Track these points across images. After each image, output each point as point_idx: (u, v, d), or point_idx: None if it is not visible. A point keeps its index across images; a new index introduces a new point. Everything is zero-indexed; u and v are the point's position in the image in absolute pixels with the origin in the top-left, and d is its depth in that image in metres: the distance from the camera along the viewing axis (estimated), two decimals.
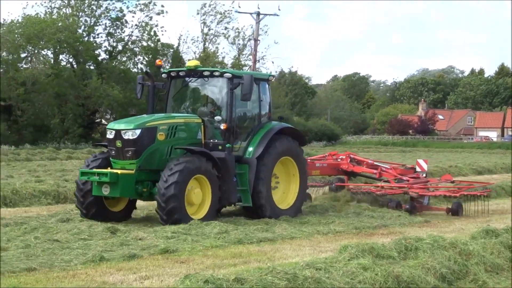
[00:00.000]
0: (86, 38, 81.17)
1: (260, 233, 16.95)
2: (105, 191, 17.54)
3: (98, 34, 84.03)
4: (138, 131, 17.77)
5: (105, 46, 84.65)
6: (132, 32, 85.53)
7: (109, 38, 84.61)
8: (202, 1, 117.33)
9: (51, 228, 16.68)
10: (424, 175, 25.12)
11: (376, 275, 10.73)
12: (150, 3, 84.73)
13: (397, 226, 19.39)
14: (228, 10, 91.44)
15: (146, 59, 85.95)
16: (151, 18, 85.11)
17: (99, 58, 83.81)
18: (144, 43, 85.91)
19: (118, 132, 17.95)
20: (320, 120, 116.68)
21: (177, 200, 17.12)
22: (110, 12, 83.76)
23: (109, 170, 17.69)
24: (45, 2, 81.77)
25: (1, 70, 69.44)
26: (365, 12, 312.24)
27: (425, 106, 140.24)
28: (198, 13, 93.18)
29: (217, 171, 18.18)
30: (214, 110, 19.72)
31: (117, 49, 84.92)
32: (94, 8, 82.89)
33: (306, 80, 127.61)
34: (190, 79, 20.22)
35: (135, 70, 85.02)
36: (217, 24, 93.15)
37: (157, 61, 22.29)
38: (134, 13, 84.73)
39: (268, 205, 19.23)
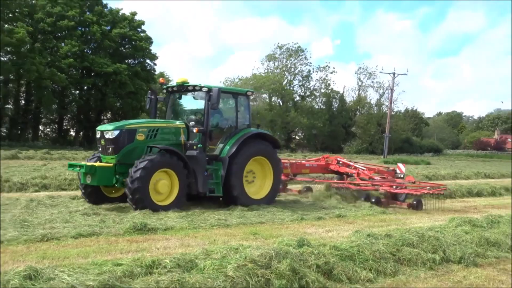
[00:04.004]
0: (287, 87, 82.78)
1: (396, 209, 16.56)
2: (88, 180, 13.87)
3: (294, 85, 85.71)
4: (116, 132, 13.90)
5: (298, 93, 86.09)
6: (315, 84, 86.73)
7: (301, 87, 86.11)
8: (360, 65, 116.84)
9: None
10: (402, 176, 19.98)
11: (473, 237, 10.38)
12: (326, 66, 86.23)
13: (482, 207, 18.06)
14: (374, 71, 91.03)
15: (323, 100, 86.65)
16: (327, 75, 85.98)
17: (295, 99, 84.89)
18: (322, 90, 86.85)
19: (102, 133, 14.12)
20: (430, 139, 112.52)
21: (141, 192, 13.17)
22: (302, 72, 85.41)
23: (87, 163, 14.10)
24: (263, 65, 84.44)
25: None
26: (478, 71, 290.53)
27: (499, 133, 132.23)
28: (355, 73, 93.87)
29: (184, 165, 14.08)
30: (200, 118, 15.34)
31: (306, 94, 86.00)
32: (293, 70, 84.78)
33: (422, 115, 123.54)
34: (182, 93, 15.92)
35: (316, 106, 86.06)
36: (367, 79, 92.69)
37: (160, 79, 17.56)
38: (317, 72, 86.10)
39: (241, 195, 15.09)
